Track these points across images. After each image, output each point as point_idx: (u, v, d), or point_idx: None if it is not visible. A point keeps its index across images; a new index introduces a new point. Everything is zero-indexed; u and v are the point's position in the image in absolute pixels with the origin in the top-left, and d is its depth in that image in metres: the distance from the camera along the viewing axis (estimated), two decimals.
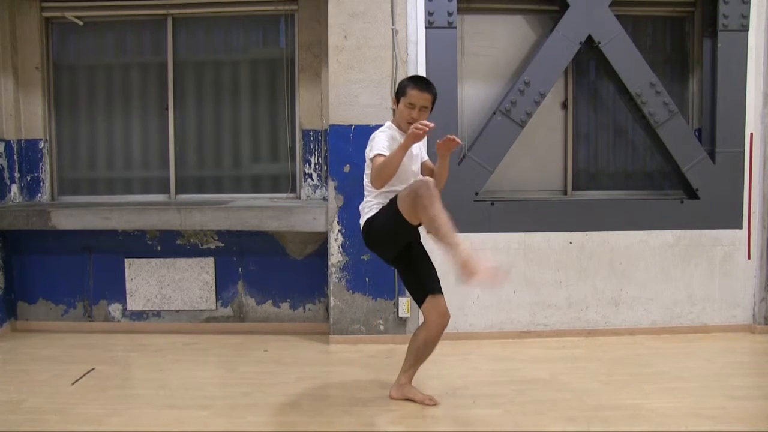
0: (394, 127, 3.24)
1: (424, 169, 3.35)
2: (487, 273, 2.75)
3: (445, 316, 3.19)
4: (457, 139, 2.99)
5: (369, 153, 3.13)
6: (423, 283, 3.23)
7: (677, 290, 4.55)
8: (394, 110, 3.25)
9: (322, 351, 4.32)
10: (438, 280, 3.27)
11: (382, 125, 4.30)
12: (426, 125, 2.85)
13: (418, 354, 3.28)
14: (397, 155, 2.94)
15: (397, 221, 3.02)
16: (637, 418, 3.16)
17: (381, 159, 3.01)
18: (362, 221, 3.26)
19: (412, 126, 2.88)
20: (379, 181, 3.01)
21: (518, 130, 4.45)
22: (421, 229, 3.20)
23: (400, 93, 3.18)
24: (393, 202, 3.07)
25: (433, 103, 3.19)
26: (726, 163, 4.52)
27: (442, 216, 2.83)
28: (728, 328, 4.57)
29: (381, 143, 3.08)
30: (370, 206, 3.24)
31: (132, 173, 5.07)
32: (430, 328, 3.20)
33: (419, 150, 3.33)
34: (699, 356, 4.11)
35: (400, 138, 3.13)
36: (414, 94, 3.11)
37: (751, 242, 4.55)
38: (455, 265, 2.80)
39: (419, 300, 3.22)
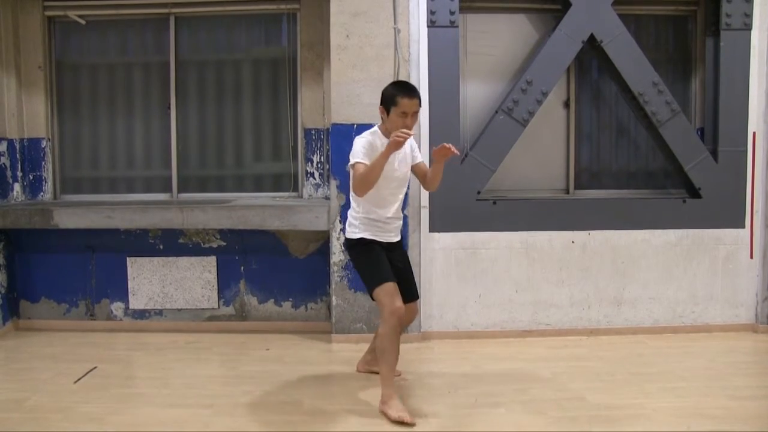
0: (379, 133, 3.23)
1: (418, 171, 3.38)
2: (395, 417, 3.09)
3: (414, 312, 3.57)
4: (453, 149, 3.02)
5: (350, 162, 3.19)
6: (403, 292, 3.33)
7: (680, 290, 4.55)
8: (383, 118, 3.22)
9: (324, 350, 4.32)
10: (416, 288, 3.55)
11: None
12: (407, 133, 2.95)
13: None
14: (378, 163, 3.03)
15: (369, 261, 3.27)
16: (639, 417, 3.16)
17: (361, 167, 3.08)
18: (346, 235, 3.38)
19: (393, 134, 2.97)
20: (361, 189, 3.11)
21: (520, 129, 4.45)
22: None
23: (389, 103, 3.15)
24: (356, 252, 3.30)
25: (420, 106, 3.21)
26: (728, 162, 4.51)
27: (393, 352, 3.19)
28: (731, 327, 4.56)
29: (359, 151, 3.13)
30: (350, 224, 3.34)
31: (134, 172, 5.08)
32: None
33: (405, 154, 3.32)
34: (701, 356, 4.10)
35: (381, 146, 3.14)
36: (405, 103, 3.10)
37: (754, 241, 4.55)
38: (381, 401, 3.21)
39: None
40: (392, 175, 3.23)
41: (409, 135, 2.98)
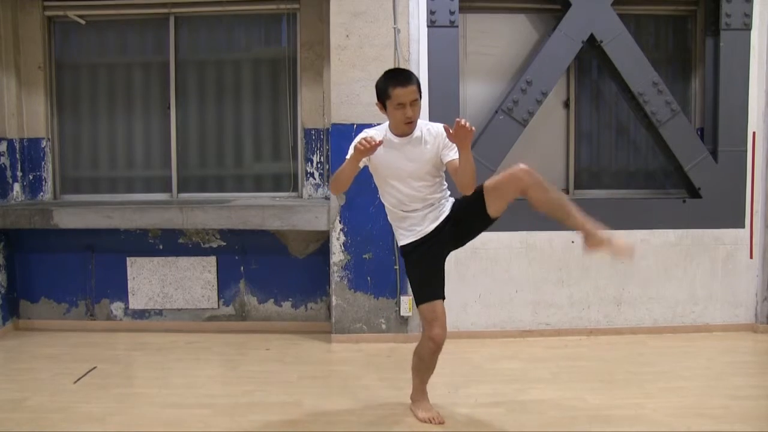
0: (384, 129, 2.97)
1: (450, 169, 2.92)
2: (422, 418, 3.11)
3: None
4: (467, 124, 2.63)
5: None
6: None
7: (679, 289, 4.54)
8: (385, 115, 2.95)
9: (324, 350, 4.32)
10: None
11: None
12: (370, 141, 2.68)
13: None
14: (344, 169, 2.83)
15: (413, 275, 3.09)
16: (638, 417, 3.16)
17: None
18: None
19: (358, 140, 2.73)
20: (332, 188, 2.99)
21: (520, 129, 4.45)
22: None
23: (383, 96, 2.87)
24: (408, 264, 3.09)
25: (420, 90, 2.88)
26: (728, 162, 4.51)
27: (428, 371, 3.13)
28: (730, 327, 4.56)
29: (351, 148, 2.84)
30: (394, 229, 3.15)
31: (134, 172, 5.08)
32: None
33: (424, 150, 2.94)
34: (701, 356, 4.10)
35: (386, 142, 2.90)
36: (399, 93, 2.80)
37: (754, 241, 4.55)
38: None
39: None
40: (395, 174, 2.96)
41: (374, 142, 2.67)
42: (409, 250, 3.07)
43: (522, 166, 2.86)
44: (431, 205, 3.03)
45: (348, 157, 2.85)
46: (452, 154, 2.92)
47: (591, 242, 2.96)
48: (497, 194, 2.90)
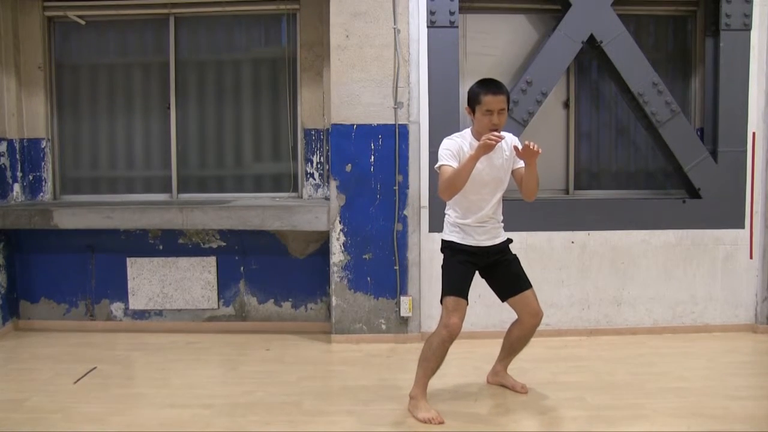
0: (468, 135, 3.17)
1: (516, 177, 3.23)
2: (421, 419, 3.14)
3: (537, 315, 3.30)
4: (535, 147, 2.93)
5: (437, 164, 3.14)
6: (509, 285, 3.32)
7: (679, 290, 4.55)
8: (471, 120, 3.15)
9: (324, 350, 4.32)
10: (526, 278, 3.34)
11: (385, 124, 4.36)
12: (498, 136, 2.91)
13: (512, 347, 3.48)
14: (467, 167, 2.96)
15: (449, 270, 3.23)
16: (638, 417, 3.16)
17: (448, 170, 3.03)
18: (441, 235, 3.33)
19: (483, 137, 2.91)
20: (448, 192, 3.06)
21: (520, 130, 4.45)
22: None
23: (473, 102, 3.09)
24: (444, 256, 3.26)
25: (508, 102, 3.12)
26: (728, 162, 4.51)
27: (435, 362, 3.18)
28: (730, 327, 4.56)
29: (445, 153, 3.09)
30: (445, 224, 3.29)
31: (134, 172, 5.08)
32: (523, 325, 3.34)
33: (502, 158, 3.18)
34: (701, 356, 4.10)
35: (469, 149, 3.07)
36: (489, 100, 3.02)
37: (754, 242, 4.55)
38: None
39: (505, 300, 3.35)
40: (480, 179, 3.11)
41: (501, 138, 2.93)
42: (454, 248, 3.22)
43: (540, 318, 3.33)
44: (496, 221, 3.25)
45: (441, 163, 3.07)
46: (521, 162, 3.17)
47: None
48: (518, 307, 3.31)
